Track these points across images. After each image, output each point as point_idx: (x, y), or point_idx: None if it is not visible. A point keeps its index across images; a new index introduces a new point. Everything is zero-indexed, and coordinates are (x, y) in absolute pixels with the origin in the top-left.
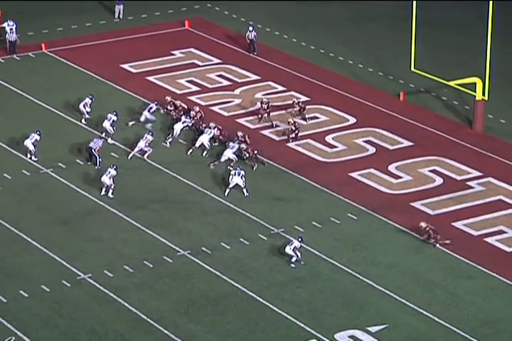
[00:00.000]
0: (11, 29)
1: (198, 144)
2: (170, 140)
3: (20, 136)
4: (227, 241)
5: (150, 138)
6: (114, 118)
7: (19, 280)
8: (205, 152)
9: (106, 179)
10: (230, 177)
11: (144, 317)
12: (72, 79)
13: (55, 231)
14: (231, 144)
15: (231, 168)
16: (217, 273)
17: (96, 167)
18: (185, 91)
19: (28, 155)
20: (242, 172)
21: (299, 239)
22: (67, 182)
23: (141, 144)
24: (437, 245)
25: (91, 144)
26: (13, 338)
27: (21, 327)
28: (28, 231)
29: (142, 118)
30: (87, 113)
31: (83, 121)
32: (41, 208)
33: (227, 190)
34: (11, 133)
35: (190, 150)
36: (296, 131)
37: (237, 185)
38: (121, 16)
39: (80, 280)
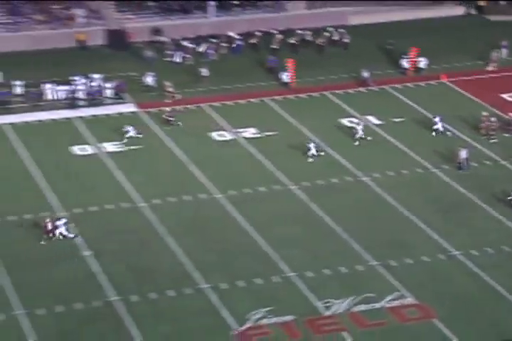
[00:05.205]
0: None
1: None
2: None
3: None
4: None
5: None
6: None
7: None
8: None
9: None
10: None
11: None
12: (463, 105)
13: (435, 218)
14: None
15: None
16: None
17: (460, 171)
18: None
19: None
20: None
21: None
22: (448, 180)
23: None
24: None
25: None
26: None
27: None
28: (416, 216)
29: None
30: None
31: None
32: (428, 199)
33: None
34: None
35: None
36: None
37: None
38: (503, 56)
39: None
